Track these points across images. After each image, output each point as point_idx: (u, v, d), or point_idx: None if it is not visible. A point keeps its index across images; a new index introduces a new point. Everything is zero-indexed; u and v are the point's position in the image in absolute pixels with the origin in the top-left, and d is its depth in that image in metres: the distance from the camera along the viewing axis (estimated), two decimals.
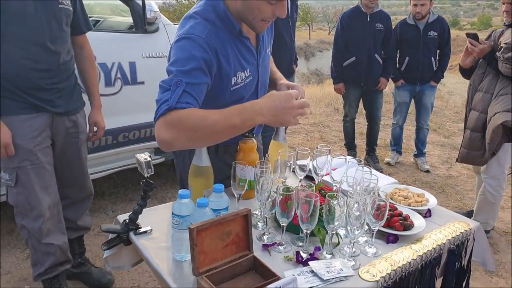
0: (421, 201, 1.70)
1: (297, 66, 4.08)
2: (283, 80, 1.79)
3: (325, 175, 1.68)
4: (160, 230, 1.43)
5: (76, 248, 2.35)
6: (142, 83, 2.96)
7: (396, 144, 4.74)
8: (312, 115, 6.94)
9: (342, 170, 1.63)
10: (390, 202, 1.62)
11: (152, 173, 1.37)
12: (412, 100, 4.51)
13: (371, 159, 4.57)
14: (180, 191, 1.25)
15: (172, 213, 1.24)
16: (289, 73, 3.72)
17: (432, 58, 4.24)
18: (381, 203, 1.32)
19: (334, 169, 1.70)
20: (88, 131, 2.25)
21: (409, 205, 1.67)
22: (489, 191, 2.94)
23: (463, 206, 3.61)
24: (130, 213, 1.41)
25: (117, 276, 2.50)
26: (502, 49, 2.70)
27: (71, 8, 2.02)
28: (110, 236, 1.42)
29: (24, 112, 1.89)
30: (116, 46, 2.88)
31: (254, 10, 1.34)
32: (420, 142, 4.64)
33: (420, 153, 4.67)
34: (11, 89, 1.85)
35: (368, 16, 4.14)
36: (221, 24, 1.37)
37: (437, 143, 5.54)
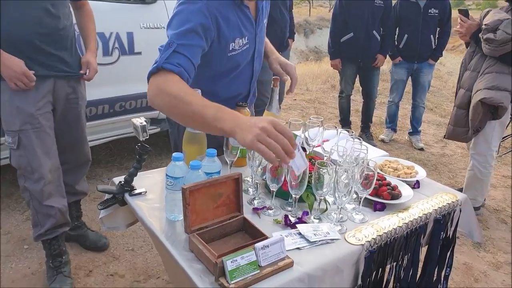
0: (410, 173, 1.74)
1: (293, 40, 4.05)
2: (276, 55, 1.81)
3: (317, 146, 1.71)
4: (154, 192, 1.47)
5: (73, 212, 2.40)
6: (140, 53, 2.96)
7: (391, 121, 4.77)
8: (308, 92, 6.94)
9: (334, 142, 1.66)
10: (380, 173, 1.67)
11: (147, 137, 1.40)
12: (409, 78, 4.52)
13: (366, 136, 4.61)
14: (174, 154, 1.29)
15: (166, 175, 1.27)
16: (282, 47, 3.71)
17: (432, 36, 4.23)
18: (370, 172, 1.36)
19: (326, 141, 1.74)
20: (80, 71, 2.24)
21: (398, 176, 1.71)
22: (477, 168, 3.00)
23: (455, 183, 3.67)
24: (126, 175, 1.45)
25: (112, 239, 2.56)
26: (483, 30, 2.74)
27: None
28: (106, 196, 1.46)
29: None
30: (114, 16, 2.87)
31: None
32: (415, 120, 4.67)
33: (415, 131, 4.71)
34: (14, 53, 1.86)
35: None
36: None
37: (433, 122, 5.57)
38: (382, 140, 4.70)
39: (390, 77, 4.65)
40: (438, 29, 4.26)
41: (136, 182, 1.48)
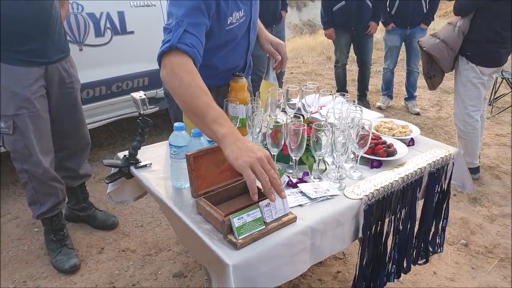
0: (405, 132, 1.79)
1: (286, 11, 4.04)
2: (265, 35, 1.84)
3: (314, 112, 1.75)
4: (158, 163, 1.53)
5: (79, 194, 2.46)
6: (132, 32, 2.96)
7: (387, 88, 4.81)
8: (304, 64, 6.94)
9: (330, 107, 1.71)
10: (375, 133, 1.73)
11: (147, 110, 1.44)
12: (403, 44, 4.53)
13: (362, 104, 4.63)
14: (176, 124, 1.34)
15: (170, 144, 1.33)
16: (275, 20, 3.71)
17: (423, 1, 4.24)
18: (365, 133, 1.41)
19: (322, 106, 1.79)
20: None
21: (393, 135, 1.77)
22: (458, 127, 3.13)
23: (451, 144, 3.73)
24: (130, 149, 1.50)
25: (121, 218, 2.63)
26: None
27: None
28: (112, 170, 1.51)
29: (19, 63, 1.92)
30: None
31: None
32: (410, 86, 4.72)
33: (410, 96, 4.76)
34: (4, 41, 1.86)
35: None
36: None
37: (427, 87, 5.60)
38: (379, 108, 4.75)
39: (384, 44, 4.66)
40: None
41: (140, 155, 1.53)
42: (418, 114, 4.62)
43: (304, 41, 9.94)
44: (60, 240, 2.25)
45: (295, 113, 1.75)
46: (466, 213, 2.73)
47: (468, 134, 3.07)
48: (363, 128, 1.42)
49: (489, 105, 4.50)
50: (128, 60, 2.96)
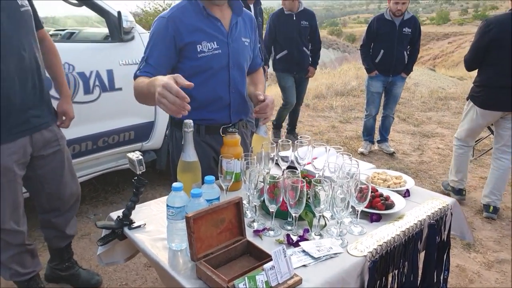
0: (399, 183, 1.80)
1: (268, 67, 4.21)
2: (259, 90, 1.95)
3: (307, 164, 1.75)
4: (153, 223, 1.47)
5: (64, 254, 2.33)
6: (120, 89, 2.97)
7: (369, 134, 4.92)
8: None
9: (323, 159, 1.70)
10: (371, 185, 1.72)
11: (144, 170, 1.41)
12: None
13: (293, 136, 5.09)
14: (174, 184, 1.30)
15: (167, 205, 1.28)
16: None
17: (405, 52, 4.50)
18: (363, 186, 1.40)
19: (315, 158, 1.78)
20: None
21: (388, 187, 1.77)
22: (454, 144, 3.58)
23: (437, 189, 3.77)
24: (124, 209, 1.44)
25: (105, 276, 2.50)
26: None
27: (30, 8, 1.93)
28: (104, 232, 1.45)
29: (9, 139, 1.84)
30: (93, 55, 2.88)
31: None
32: (384, 129, 4.91)
33: (383, 139, 4.95)
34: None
35: (294, 15, 4.60)
36: (191, 6, 1.70)
37: (408, 132, 5.73)
38: (362, 153, 4.81)
39: (366, 91, 4.78)
40: (409, 46, 4.55)
41: (133, 215, 1.47)
42: (393, 154, 4.80)
43: (273, 89, 10.15)
44: None
45: (289, 166, 1.74)
46: (462, 260, 2.70)
47: (453, 154, 3.52)
48: (361, 181, 1.41)
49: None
50: (115, 115, 2.94)
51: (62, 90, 2.20)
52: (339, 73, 10.81)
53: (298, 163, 1.72)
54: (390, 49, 4.44)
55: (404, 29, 4.42)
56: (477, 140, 4.79)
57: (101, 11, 3.03)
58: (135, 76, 1.68)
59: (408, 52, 4.53)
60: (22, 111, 1.86)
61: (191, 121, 1.60)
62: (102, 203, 3.39)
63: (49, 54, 2.14)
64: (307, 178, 1.62)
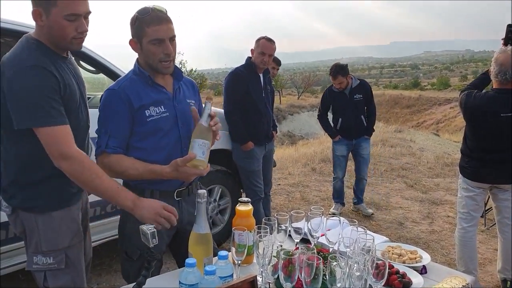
0: (415, 258, 1.75)
1: (277, 132, 4.28)
2: None
3: (320, 236, 1.72)
4: None
5: None
6: None
7: (339, 196, 5.06)
8: (291, 176, 7.05)
9: (336, 231, 1.68)
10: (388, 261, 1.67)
11: (156, 243, 1.39)
12: (350, 154, 4.94)
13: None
14: (188, 260, 1.27)
15: (180, 282, 1.25)
16: (268, 139, 3.91)
17: (362, 116, 4.76)
18: (379, 261, 1.37)
19: (328, 230, 1.76)
20: None
21: (404, 262, 1.72)
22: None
23: (451, 261, 3.66)
24: (134, 284, 1.40)
25: None
26: None
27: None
28: None
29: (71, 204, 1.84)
30: None
31: (149, 54, 1.75)
32: (359, 191, 5.04)
33: (359, 201, 5.06)
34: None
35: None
36: (137, 77, 1.83)
37: (416, 199, 5.67)
38: (333, 213, 4.81)
39: (332, 155, 5.00)
40: (365, 109, 4.81)
41: None
42: (372, 215, 4.90)
43: (287, 152, 10.24)
44: None
45: (303, 238, 1.71)
46: None
47: (456, 237, 3.15)
48: (377, 257, 1.37)
49: (481, 217, 4.52)
50: None
51: None
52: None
53: (312, 236, 1.69)
54: (347, 116, 4.72)
55: (355, 96, 4.70)
56: (488, 209, 4.71)
57: (116, 78, 3.11)
58: (101, 152, 1.73)
59: (365, 116, 4.78)
60: None
61: (204, 191, 1.60)
62: (106, 271, 3.30)
63: None
64: (322, 253, 1.59)
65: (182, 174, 1.68)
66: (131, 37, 1.79)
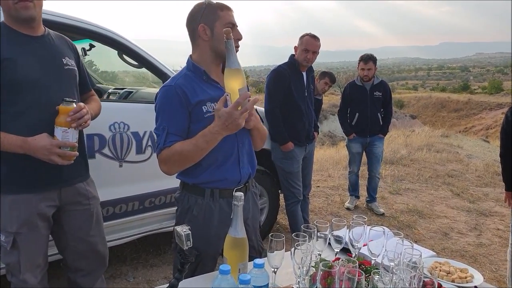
0: (465, 277, 1.62)
1: (318, 133, 4.16)
2: None
3: (362, 246, 1.63)
4: None
5: None
6: None
7: (354, 190, 5.26)
8: (331, 178, 6.90)
9: (380, 242, 1.58)
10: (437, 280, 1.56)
11: (191, 246, 1.35)
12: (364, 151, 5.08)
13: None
14: (221, 267, 1.22)
15: None
16: (308, 140, 3.79)
17: (378, 114, 4.86)
18: (427, 279, 1.26)
19: (370, 241, 1.66)
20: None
21: (452, 281, 1.59)
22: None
23: (500, 278, 3.43)
24: (167, 285, 1.37)
25: None
26: None
27: (76, 68, 2.03)
28: None
29: (29, 191, 1.87)
30: (148, 115, 2.93)
31: (221, 38, 1.70)
32: (372, 190, 5.16)
33: (372, 199, 5.18)
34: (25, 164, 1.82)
35: None
36: (191, 74, 1.81)
37: (462, 209, 5.38)
38: (348, 208, 5.11)
39: (348, 151, 5.19)
40: (382, 109, 4.91)
41: None
42: (383, 214, 4.96)
43: (328, 153, 10.05)
44: None
45: (343, 247, 1.63)
46: None
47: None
48: (424, 274, 1.27)
49: None
50: (163, 176, 2.94)
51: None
52: (387, 139, 10.61)
53: (353, 246, 1.60)
54: (364, 111, 4.81)
55: (375, 93, 4.80)
56: None
57: (159, 73, 3.11)
58: (160, 151, 1.74)
59: (382, 115, 4.89)
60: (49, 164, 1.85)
61: (241, 193, 1.54)
62: (142, 265, 3.33)
63: (92, 102, 2.15)
64: (363, 266, 1.50)
65: (228, 119, 1.64)
66: (200, 24, 1.76)
